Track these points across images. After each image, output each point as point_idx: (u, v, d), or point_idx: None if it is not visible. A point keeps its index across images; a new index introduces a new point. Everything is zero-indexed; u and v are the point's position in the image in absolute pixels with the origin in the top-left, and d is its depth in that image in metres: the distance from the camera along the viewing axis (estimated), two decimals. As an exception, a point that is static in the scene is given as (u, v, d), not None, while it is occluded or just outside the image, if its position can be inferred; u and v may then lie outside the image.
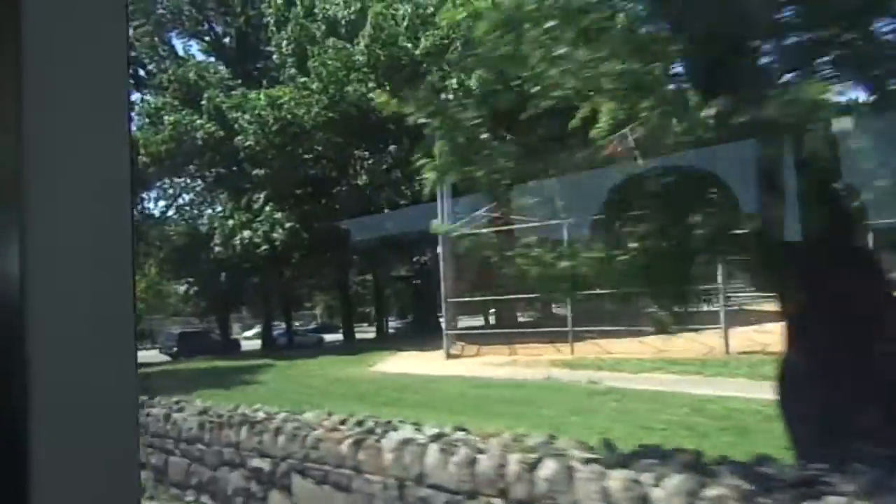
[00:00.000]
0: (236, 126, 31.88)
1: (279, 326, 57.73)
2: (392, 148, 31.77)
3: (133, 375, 0.83)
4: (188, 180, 36.63)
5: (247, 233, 30.23)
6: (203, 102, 34.44)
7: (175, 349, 37.80)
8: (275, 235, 30.01)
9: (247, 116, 31.06)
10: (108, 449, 0.80)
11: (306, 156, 31.63)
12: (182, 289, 34.09)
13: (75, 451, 0.77)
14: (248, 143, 31.05)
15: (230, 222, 30.95)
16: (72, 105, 0.81)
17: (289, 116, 29.84)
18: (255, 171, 32.44)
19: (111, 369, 0.81)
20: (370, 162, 31.31)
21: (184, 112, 34.79)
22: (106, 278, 0.82)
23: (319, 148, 30.99)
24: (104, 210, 0.83)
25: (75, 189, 0.81)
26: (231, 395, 18.39)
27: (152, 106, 35.78)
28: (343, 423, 8.95)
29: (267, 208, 31.08)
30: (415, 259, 32.39)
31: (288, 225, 30.03)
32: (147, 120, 36.99)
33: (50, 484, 0.74)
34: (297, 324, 50.41)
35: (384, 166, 31.27)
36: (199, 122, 33.98)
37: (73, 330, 0.79)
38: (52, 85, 0.80)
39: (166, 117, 34.92)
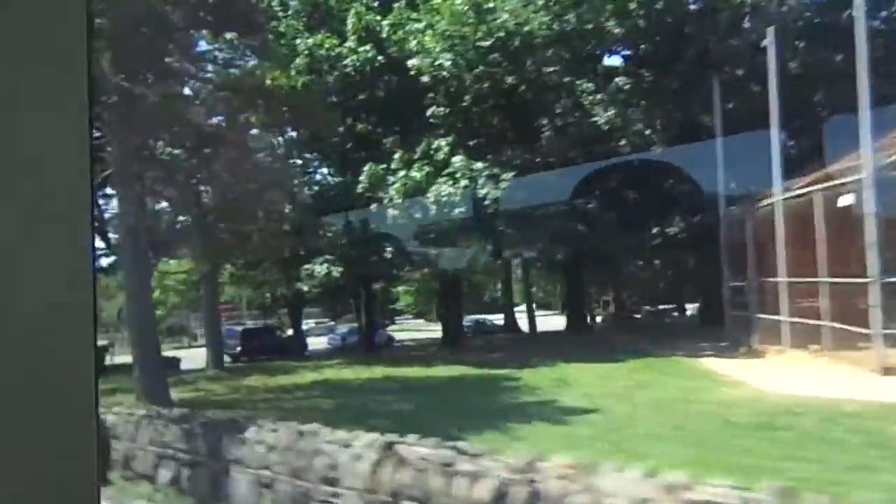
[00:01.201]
0: (414, 45, 23.29)
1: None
2: (620, 80, 23.30)
3: (91, 368, 0.81)
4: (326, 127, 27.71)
5: (445, 188, 21.59)
6: (350, 21, 25.87)
7: (238, 348, 31.00)
8: (483, 192, 21.42)
9: (443, 23, 22.39)
10: (67, 442, 0.79)
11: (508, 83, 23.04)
12: (321, 269, 25.32)
13: (34, 444, 0.78)
14: (437, 63, 22.41)
15: (414, 174, 22.30)
16: (31, 106, 0.81)
17: (513, 25, 21.24)
18: (435, 109, 23.84)
19: (70, 363, 0.81)
20: (599, 96, 22.78)
21: (321, 35, 26.16)
22: (65, 275, 0.81)
23: (548, 70, 22.39)
24: (64, 207, 0.82)
25: (34, 189, 0.81)
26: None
27: (280, 29, 26.90)
28: None
29: (457, 158, 22.44)
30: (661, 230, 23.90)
31: (507, 176, 21.39)
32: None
33: (7, 473, 0.76)
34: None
35: (617, 102, 22.75)
36: (346, 46, 25.36)
37: (33, 325, 0.79)
38: (11, 85, 0.80)
39: (298, 42, 26.24)
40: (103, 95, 15.64)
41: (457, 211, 21.87)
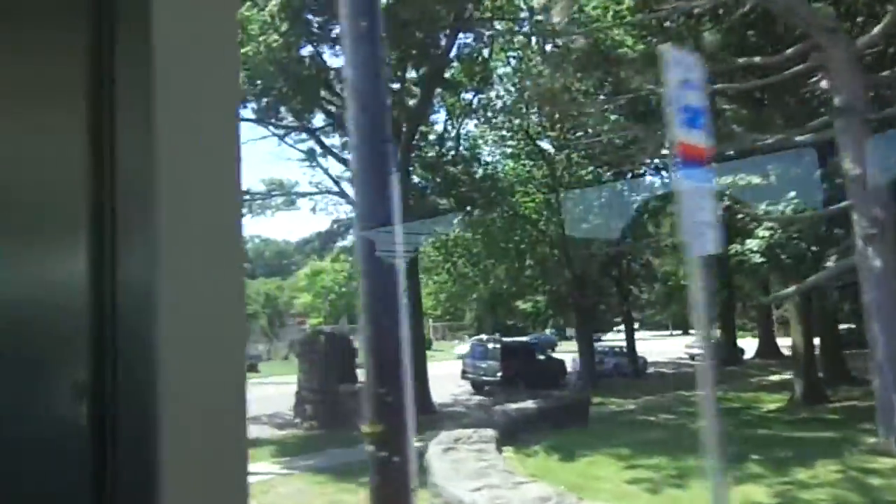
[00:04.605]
0: None
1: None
2: None
3: (243, 377, 0.85)
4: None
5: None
6: None
7: (499, 374, 23.24)
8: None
9: None
10: (222, 447, 0.83)
11: None
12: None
13: (197, 451, 0.81)
14: None
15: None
16: (191, 111, 0.84)
17: None
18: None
19: (226, 371, 0.84)
20: None
21: None
22: (223, 281, 0.84)
23: None
24: (219, 213, 0.85)
25: (197, 194, 0.83)
26: None
27: None
28: None
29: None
30: None
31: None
32: None
33: (176, 484, 0.79)
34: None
35: None
36: None
37: (197, 332, 0.82)
38: (177, 92, 0.82)
39: None
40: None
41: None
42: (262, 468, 13.43)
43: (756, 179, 18.67)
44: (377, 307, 4.09)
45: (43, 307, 0.84)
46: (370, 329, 4.10)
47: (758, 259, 17.02)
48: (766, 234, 16.84)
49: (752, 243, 17.14)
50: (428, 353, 26.38)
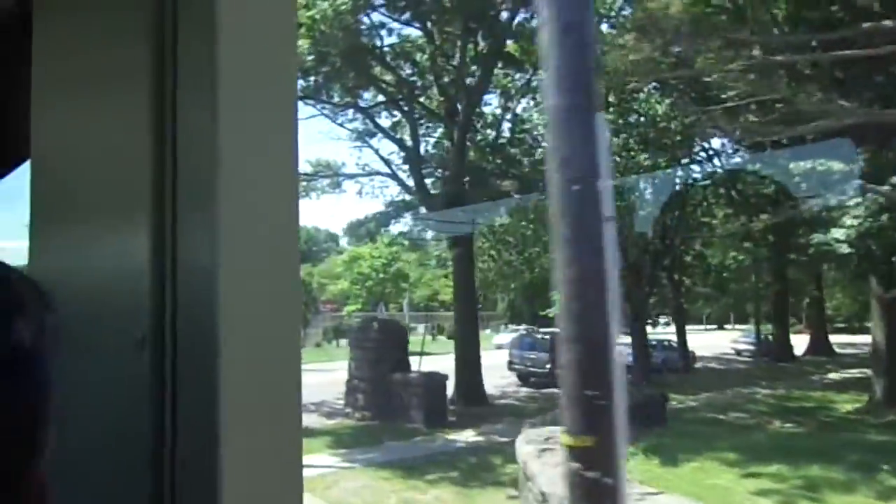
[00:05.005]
0: None
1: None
2: None
3: (297, 353, 0.85)
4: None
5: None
6: None
7: (548, 366, 21.73)
8: None
9: None
10: (278, 440, 0.83)
11: None
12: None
13: (254, 443, 0.81)
14: None
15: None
16: (252, 94, 0.83)
17: None
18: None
19: (282, 361, 0.83)
20: None
21: None
22: (279, 262, 0.84)
23: None
24: (277, 194, 0.84)
25: (257, 175, 0.82)
26: None
27: None
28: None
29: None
30: None
31: None
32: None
33: (237, 476, 0.79)
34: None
35: None
36: None
37: (254, 309, 0.82)
38: (239, 74, 0.81)
39: None
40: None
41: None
42: (320, 460, 12.63)
43: (838, 165, 17.52)
44: (582, 281, 3.18)
45: (108, 285, 0.86)
46: (573, 308, 3.18)
47: (845, 249, 15.87)
48: (854, 222, 15.66)
49: (837, 232, 16.01)
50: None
